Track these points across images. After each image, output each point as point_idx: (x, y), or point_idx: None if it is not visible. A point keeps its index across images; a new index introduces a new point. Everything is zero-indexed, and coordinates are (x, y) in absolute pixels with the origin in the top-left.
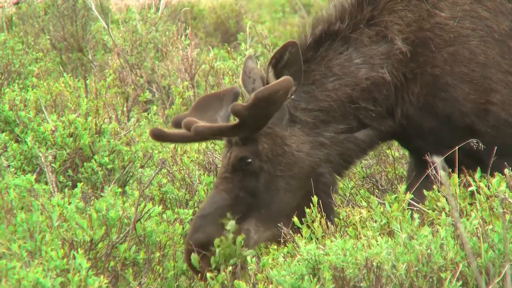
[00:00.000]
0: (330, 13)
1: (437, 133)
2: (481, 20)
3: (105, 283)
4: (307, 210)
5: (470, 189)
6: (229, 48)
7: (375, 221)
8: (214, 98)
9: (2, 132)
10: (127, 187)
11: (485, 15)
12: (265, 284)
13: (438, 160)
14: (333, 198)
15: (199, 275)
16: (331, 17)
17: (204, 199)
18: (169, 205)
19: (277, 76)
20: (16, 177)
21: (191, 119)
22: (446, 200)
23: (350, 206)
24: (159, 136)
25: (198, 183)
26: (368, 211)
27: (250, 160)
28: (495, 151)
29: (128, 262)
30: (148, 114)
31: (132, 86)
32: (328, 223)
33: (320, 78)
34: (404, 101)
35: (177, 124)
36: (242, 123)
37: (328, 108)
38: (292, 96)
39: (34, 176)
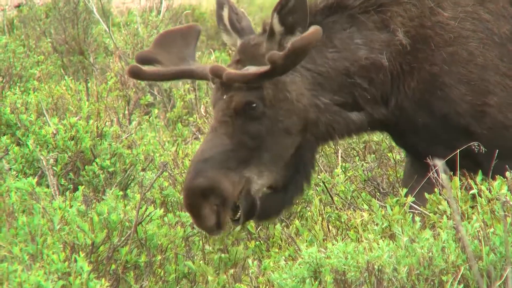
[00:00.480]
0: None
1: (431, 130)
2: (482, 22)
3: (107, 286)
4: (308, 214)
5: (471, 192)
6: (230, 51)
7: (377, 224)
8: (177, 35)
9: (4, 135)
10: (128, 190)
11: (487, 17)
12: (267, 287)
13: (439, 163)
14: (314, 163)
15: (202, 223)
16: None
17: None
18: (170, 208)
19: (281, 22)
20: (18, 180)
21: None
22: (448, 203)
23: (352, 209)
24: (136, 73)
25: None
26: (370, 214)
27: (255, 104)
28: (489, 155)
29: (129, 265)
30: (149, 117)
31: (134, 89)
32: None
33: (320, 45)
34: (399, 92)
35: (142, 61)
36: (274, 70)
37: (325, 74)
38: None
39: (36, 179)
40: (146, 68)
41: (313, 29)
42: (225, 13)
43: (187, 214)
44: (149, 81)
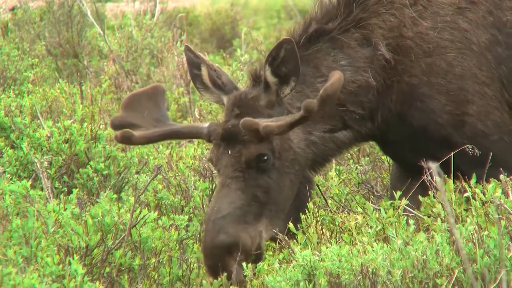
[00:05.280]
0: (323, 12)
1: (414, 141)
2: (460, 32)
3: None
4: (303, 217)
5: (465, 195)
6: (224, 54)
7: (371, 227)
8: (143, 97)
9: None
10: (122, 193)
11: (465, 26)
12: None
13: (433, 166)
14: (310, 194)
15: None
16: (324, 16)
17: (199, 205)
18: (164, 211)
19: (274, 73)
20: (12, 183)
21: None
22: (442, 206)
23: (346, 212)
24: (128, 139)
25: (193, 189)
26: (364, 217)
27: (266, 157)
28: (470, 162)
29: (123, 268)
30: None
31: (128, 92)
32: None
33: (309, 78)
34: (384, 106)
35: (118, 126)
36: (307, 117)
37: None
38: (292, 92)
39: (30, 182)
40: (135, 132)
41: (338, 74)
42: (204, 72)
43: (182, 217)
44: (140, 144)
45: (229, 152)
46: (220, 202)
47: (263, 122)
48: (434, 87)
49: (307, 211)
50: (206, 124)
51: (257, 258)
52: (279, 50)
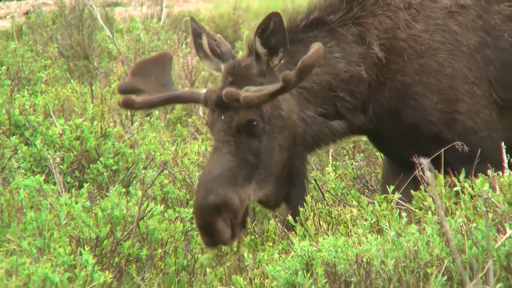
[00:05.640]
0: (327, 3)
1: (406, 137)
2: (451, 34)
3: (110, 278)
4: (301, 210)
5: (455, 189)
6: None
7: (365, 220)
8: (151, 63)
9: (13, 135)
10: (130, 187)
11: (456, 29)
12: (261, 279)
13: (425, 161)
14: (307, 172)
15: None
16: (327, 8)
17: None
18: (170, 204)
19: (264, 44)
20: (26, 178)
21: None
22: (433, 199)
23: (342, 205)
24: (129, 104)
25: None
26: (359, 210)
27: (255, 122)
28: (460, 158)
29: (131, 258)
30: (150, 118)
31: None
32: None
33: (301, 56)
34: (376, 101)
35: (125, 91)
36: (286, 88)
37: (310, 89)
38: (281, 62)
39: (43, 177)
40: (136, 98)
41: (317, 46)
42: (204, 41)
43: (187, 210)
44: (141, 109)
45: (222, 118)
46: (212, 165)
47: (244, 93)
48: (426, 86)
49: (305, 204)
50: (203, 91)
51: (243, 222)
52: (268, 22)
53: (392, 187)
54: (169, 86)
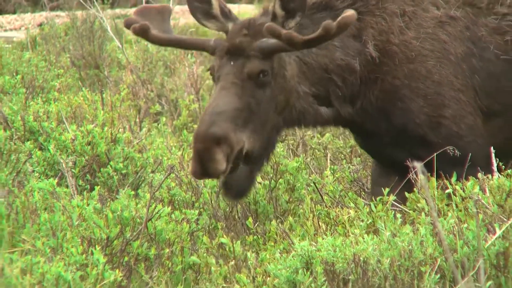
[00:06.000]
0: None
1: (392, 137)
2: (440, 43)
3: (120, 277)
4: (301, 211)
5: (447, 191)
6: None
7: (362, 221)
8: (153, 11)
9: (27, 140)
10: (139, 190)
11: (444, 38)
12: (263, 277)
13: (418, 165)
14: (276, 145)
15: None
16: None
17: (208, 201)
18: (177, 206)
19: (283, 7)
20: (40, 181)
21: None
22: (426, 201)
23: (340, 207)
24: (144, 31)
25: (203, 187)
26: (356, 212)
27: (267, 73)
28: (450, 162)
29: (140, 258)
30: (158, 124)
31: (144, 100)
32: (319, 222)
33: (308, 28)
34: (365, 97)
35: (130, 26)
36: (324, 36)
37: (309, 65)
38: (295, 27)
39: (56, 180)
40: (151, 29)
41: (351, 12)
42: (215, 1)
43: (192, 212)
44: (153, 42)
45: (232, 63)
46: (218, 101)
47: (288, 31)
48: (414, 90)
49: (305, 206)
50: (212, 39)
51: (234, 167)
52: None
53: (387, 190)
54: (171, 33)
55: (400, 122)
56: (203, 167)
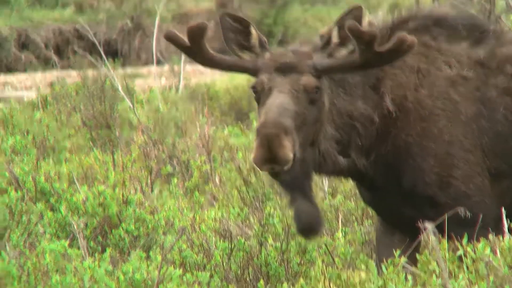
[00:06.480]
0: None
1: (402, 193)
2: (452, 103)
3: None
4: (312, 273)
5: (458, 253)
6: (242, 126)
7: (373, 282)
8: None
9: (39, 201)
10: (151, 252)
11: (456, 98)
12: None
13: (430, 226)
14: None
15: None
16: None
17: (220, 263)
18: (188, 268)
19: (340, 33)
20: (52, 243)
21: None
22: (437, 263)
23: (351, 269)
24: (202, 30)
25: (214, 249)
26: (367, 274)
27: (318, 91)
28: (454, 221)
29: None
30: (169, 186)
31: (155, 161)
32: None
33: (338, 79)
34: (379, 150)
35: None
36: (401, 48)
37: (337, 106)
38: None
39: (68, 242)
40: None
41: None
42: (253, 30)
43: (204, 274)
44: (197, 53)
45: (284, 77)
46: (280, 100)
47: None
48: (425, 149)
49: (316, 268)
50: (252, 60)
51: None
52: (348, 14)
53: (398, 251)
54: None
55: (410, 179)
56: (271, 153)
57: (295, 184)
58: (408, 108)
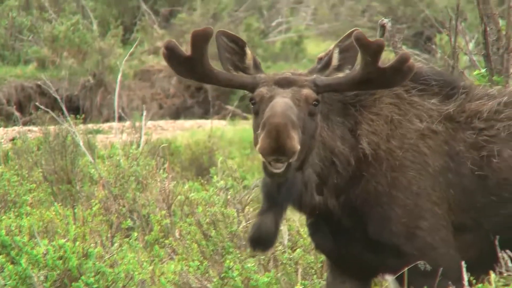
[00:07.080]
0: None
1: (366, 239)
2: (421, 155)
3: None
4: None
5: None
6: (202, 181)
7: None
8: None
9: (0, 254)
10: None
11: (425, 151)
12: None
13: (390, 279)
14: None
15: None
16: None
17: None
18: None
19: (340, 55)
20: None
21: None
22: None
23: None
24: (208, 34)
25: None
26: None
27: (317, 104)
28: (415, 272)
29: None
30: (129, 239)
31: (116, 215)
32: None
33: (325, 111)
34: (348, 193)
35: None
36: (402, 67)
37: (323, 137)
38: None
39: None
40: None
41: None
42: (248, 51)
43: None
44: (196, 62)
45: (285, 89)
46: (286, 100)
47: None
48: (394, 199)
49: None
50: (250, 76)
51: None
52: (349, 37)
53: None
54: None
55: (377, 227)
56: (279, 143)
57: (284, 193)
58: (380, 156)
